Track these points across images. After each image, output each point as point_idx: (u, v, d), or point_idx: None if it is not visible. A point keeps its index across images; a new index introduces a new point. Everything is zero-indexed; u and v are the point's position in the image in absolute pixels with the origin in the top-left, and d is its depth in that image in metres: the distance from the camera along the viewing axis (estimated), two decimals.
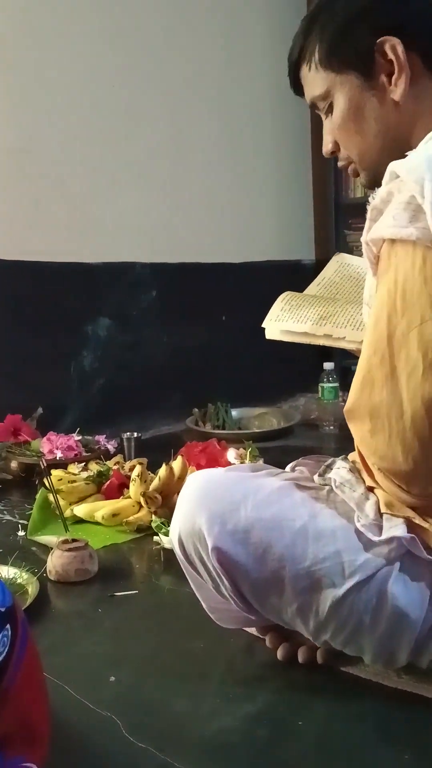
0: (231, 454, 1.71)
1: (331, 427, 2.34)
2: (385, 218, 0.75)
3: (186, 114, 2.44)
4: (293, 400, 2.65)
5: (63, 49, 2.10)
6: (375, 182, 0.94)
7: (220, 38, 2.53)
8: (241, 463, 1.78)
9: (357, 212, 2.76)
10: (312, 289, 1.24)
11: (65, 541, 1.29)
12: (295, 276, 2.84)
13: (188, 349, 2.49)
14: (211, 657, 0.99)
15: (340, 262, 1.26)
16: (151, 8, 2.30)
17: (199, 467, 1.80)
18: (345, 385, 2.33)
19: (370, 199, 0.81)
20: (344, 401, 2.34)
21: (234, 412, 2.43)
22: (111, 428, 2.29)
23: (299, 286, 3.00)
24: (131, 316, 2.33)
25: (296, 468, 1.02)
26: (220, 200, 2.57)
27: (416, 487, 0.79)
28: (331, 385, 2.34)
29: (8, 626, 0.71)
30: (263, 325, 1.13)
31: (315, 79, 0.90)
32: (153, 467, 1.74)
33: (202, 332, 2.53)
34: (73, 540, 1.30)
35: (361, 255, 2.75)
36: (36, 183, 2.07)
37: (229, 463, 1.77)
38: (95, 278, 2.23)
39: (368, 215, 0.79)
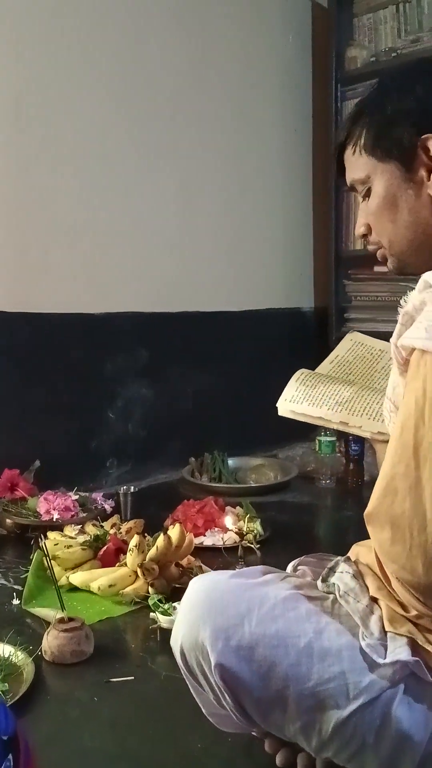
0: (229, 520, 1.70)
1: (328, 482, 2.34)
2: (418, 328, 0.76)
3: (192, 169, 2.47)
4: (290, 448, 2.65)
5: (74, 106, 2.13)
6: (400, 271, 0.96)
7: (228, 96, 2.57)
8: (238, 523, 1.78)
9: (356, 263, 2.79)
10: (325, 367, 1.24)
11: (61, 620, 1.28)
12: (295, 323, 2.88)
13: (186, 397, 2.49)
14: (209, 758, 0.98)
15: (353, 341, 1.26)
16: (159, 67, 2.33)
17: (195, 528, 1.81)
18: (342, 437, 2.34)
19: (402, 302, 0.82)
20: (341, 453, 2.36)
21: (231, 462, 2.43)
22: (108, 476, 2.29)
23: (298, 333, 3.04)
24: (131, 365, 2.33)
25: (299, 568, 1.01)
26: (222, 250, 2.59)
27: None
28: (328, 438, 2.35)
29: (11, 756, 0.70)
30: (277, 404, 1.12)
31: (357, 163, 0.94)
32: (149, 523, 1.74)
33: (201, 380, 2.53)
34: (69, 619, 1.28)
35: (359, 305, 2.79)
36: (44, 236, 2.09)
37: (224, 528, 1.77)
38: (96, 329, 2.24)
39: (399, 319, 0.81)
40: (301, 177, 2.87)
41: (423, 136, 0.87)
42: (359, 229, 0.98)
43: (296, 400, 1.08)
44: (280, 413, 1.11)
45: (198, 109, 2.46)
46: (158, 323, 2.39)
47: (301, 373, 1.14)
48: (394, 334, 0.81)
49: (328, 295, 2.84)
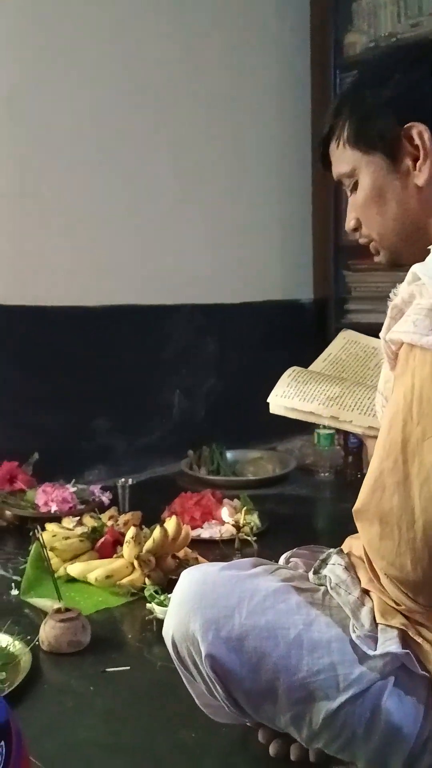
0: (225, 512, 1.71)
1: (327, 474, 2.34)
2: (406, 321, 0.76)
3: (189, 154, 2.45)
4: (289, 441, 2.65)
5: (69, 93, 2.12)
6: (393, 263, 0.96)
7: (225, 83, 2.55)
8: (236, 515, 1.78)
9: (356, 253, 2.77)
10: (318, 365, 1.24)
11: (58, 611, 1.29)
12: (294, 316, 2.87)
13: (184, 389, 2.50)
14: (204, 749, 0.99)
15: (347, 339, 1.25)
16: (155, 53, 2.32)
17: (193, 521, 1.81)
18: (342, 430, 2.34)
19: (391, 295, 0.82)
20: (340, 446, 2.36)
21: (229, 454, 2.43)
22: (107, 468, 2.29)
23: (297, 326, 3.02)
24: (129, 357, 2.33)
25: (291, 559, 1.02)
26: (220, 241, 2.58)
27: (423, 596, 0.79)
28: (327, 431, 2.35)
29: (3, 742, 0.71)
30: (268, 400, 1.12)
31: (342, 157, 0.93)
32: (147, 515, 1.74)
33: (199, 373, 2.54)
34: (66, 609, 1.29)
35: (359, 296, 2.75)
36: (40, 227, 2.09)
37: (221, 520, 1.78)
38: (94, 321, 2.24)
39: (389, 313, 0.80)
40: (300, 165, 2.84)
41: (405, 126, 0.86)
42: (349, 223, 0.97)
43: (287, 395, 1.08)
44: (271, 410, 1.11)
45: (194, 97, 2.45)
46: (156, 316, 2.38)
47: (292, 370, 1.14)
48: (384, 328, 0.80)
49: (328, 286, 2.82)
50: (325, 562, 0.94)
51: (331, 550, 0.98)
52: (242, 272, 2.66)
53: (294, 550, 1.05)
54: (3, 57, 1.97)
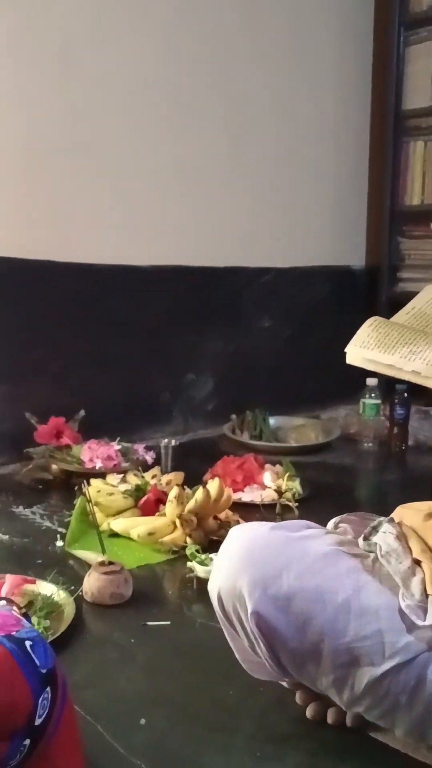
0: (267, 477, 1.70)
1: (371, 444, 2.31)
2: None
3: (243, 115, 2.39)
4: (333, 410, 2.62)
5: (126, 48, 2.08)
6: None
7: (284, 40, 2.47)
8: (278, 481, 1.77)
9: (412, 219, 2.70)
10: (400, 317, 1.16)
11: (102, 564, 1.31)
12: (344, 282, 2.81)
13: (229, 353, 2.48)
14: (242, 707, 1.00)
15: None
16: (212, 6, 2.25)
17: (234, 484, 1.81)
18: (387, 401, 2.30)
19: None
20: (385, 417, 2.32)
21: (272, 421, 2.42)
22: (151, 429, 2.31)
23: (347, 293, 2.96)
24: (175, 319, 2.32)
25: (340, 525, 1.01)
26: (271, 203, 2.53)
27: None
28: (373, 401, 2.31)
29: (49, 689, 0.73)
30: (345, 350, 1.04)
31: None
32: (188, 476, 1.75)
33: (244, 337, 2.51)
34: (110, 563, 1.31)
35: (413, 264, 2.65)
36: (92, 184, 2.07)
37: (263, 485, 1.78)
38: (142, 282, 2.23)
39: None
40: (358, 127, 2.75)
41: None
42: None
43: (367, 345, 1.02)
44: (348, 360, 1.04)
45: (251, 52, 2.37)
46: (203, 278, 2.36)
47: (374, 320, 1.07)
48: None
49: (381, 253, 2.75)
50: (375, 529, 0.93)
51: (382, 518, 0.96)
52: (292, 236, 2.61)
53: (343, 515, 1.03)
54: (60, 10, 1.94)
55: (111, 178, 2.11)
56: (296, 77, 2.53)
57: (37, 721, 0.69)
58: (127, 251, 2.16)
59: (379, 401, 2.32)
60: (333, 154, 2.71)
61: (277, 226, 2.55)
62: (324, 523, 1.03)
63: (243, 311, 2.49)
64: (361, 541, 0.92)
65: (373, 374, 2.29)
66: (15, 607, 1.03)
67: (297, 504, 1.70)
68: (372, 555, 0.89)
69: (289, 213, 2.59)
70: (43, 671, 0.72)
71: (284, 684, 1.02)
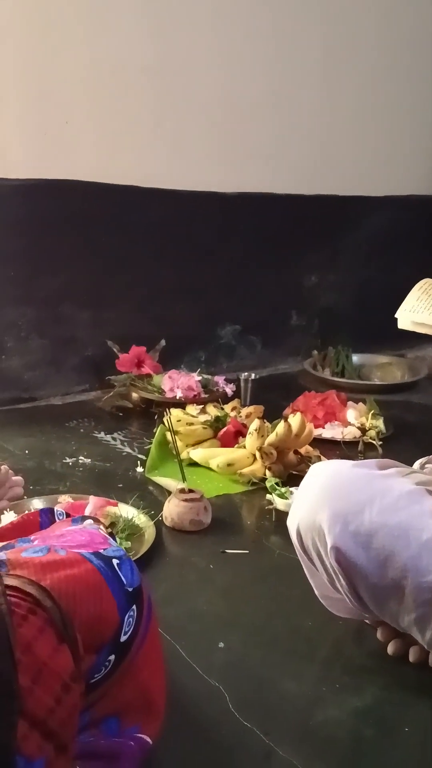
0: (351, 414, 1.66)
1: None
2: None
3: (337, 37, 2.23)
4: (420, 348, 2.52)
5: None
6: None
7: None
8: (361, 418, 1.73)
9: None
10: None
11: (182, 491, 1.33)
12: None
13: (312, 286, 2.41)
14: (320, 637, 1.00)
15: None
16: None
17: (315, 419, 1.78)
18: None
19: None
20: None
21: (355, 358, 2.35)
22: (230, 361, 2.29)
23: None
24: (260, 248, 2.26)
25: (426, 466, 0.97)
26: (365, 127, 2.37)
27: None
28: None
29: (134, 607, 0.74)
30: (396, 315, 1.09)
31: None
32: (268, 411, 1.73)
33: (330, 269, 2.42)
34: (190, 490, 1.33)
35: None
36: (179, 111, 2.00)
37: (345, 422, 1.74)
38: (227, 209, 2.17)
39: None
40: None
41: None
42: None
43: (417, 309, 1.02)
44: (399, 325, 1.07)
45: None
46: (291, 206, 2.27)
47: (424, 282, 1.08)
48: None
49: None
50: None
51: None
52: (388, 162, 2.44)
53: (430, 456, 0.99)
54: None
55: (199, 102, 2.03)
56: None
57: (123, 638, 0.70)
58: (213, 177, 2.09)
59: None
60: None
61: (371, 150, 2.39)
62: (408, 464, 0.99)
63: (329, 242, 2.39)
64: None
65: None
66: (102, 527, 1.06)
67: (381, 443, 1.65)
68: None
69: (385, 137, 2.42)
70: (130, 589, 0.73)
71: (365, 621, 1.01)
